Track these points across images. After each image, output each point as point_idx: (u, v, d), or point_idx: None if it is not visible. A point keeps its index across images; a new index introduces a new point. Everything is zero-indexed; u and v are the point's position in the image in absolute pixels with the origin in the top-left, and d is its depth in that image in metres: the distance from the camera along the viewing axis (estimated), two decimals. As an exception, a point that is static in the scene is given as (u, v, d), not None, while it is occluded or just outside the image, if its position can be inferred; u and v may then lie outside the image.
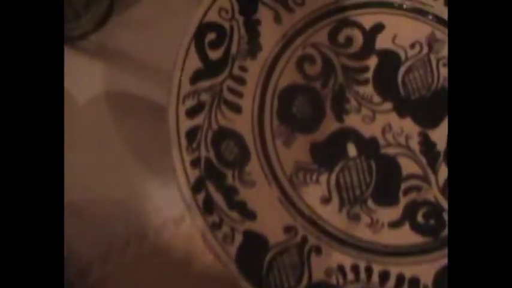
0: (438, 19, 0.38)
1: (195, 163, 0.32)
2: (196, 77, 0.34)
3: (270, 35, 0.36)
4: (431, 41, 0.37)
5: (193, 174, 0.32)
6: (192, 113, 0.33)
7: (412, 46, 0.37)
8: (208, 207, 0.31)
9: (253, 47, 0.35)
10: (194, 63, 0.34)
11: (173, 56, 0.38)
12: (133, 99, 0.40)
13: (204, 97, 0.34)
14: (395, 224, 0.34)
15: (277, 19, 0.36)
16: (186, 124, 0.33)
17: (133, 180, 0.37)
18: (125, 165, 0.38)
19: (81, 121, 0.39)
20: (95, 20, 0.42)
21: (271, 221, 0.32)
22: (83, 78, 0.40)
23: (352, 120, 0.35)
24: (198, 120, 0.33)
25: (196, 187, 0.31)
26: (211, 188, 0.32)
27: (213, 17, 0.35)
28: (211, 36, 0.35)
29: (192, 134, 0.33)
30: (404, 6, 0.38)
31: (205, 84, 0.34)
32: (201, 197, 0.31)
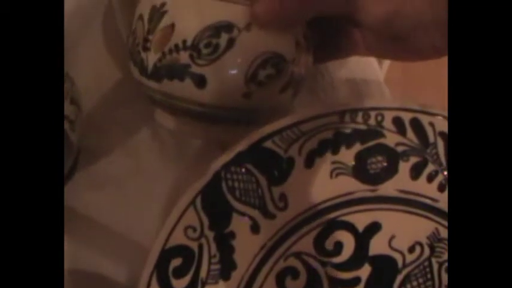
0: (443, 214, 0.32)
1: None
2: (158, 317, 0.30)
3: (246, 249, 0.31)
4: (434, 242, 0.32)
5: None
6: None
7: (412, 249, 0.32)
8: None
9: (226, 266, 0.31)
10: (156, 299, 0.30)
11: (142, 225, 0.34)
12: (99, 279, 0.36)
13: (169, 338, 0.30)
14: None
15: (255, 229, 0.31)
16: None
17: None
18: None
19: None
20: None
21: None
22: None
23: None
24: None
25: None
26: None
27: (178, 239, 0.30)
28: (176, 262, 0.30)
29: None
30: (406, 201, 0.32)
31: (169, 321, 0.30)
32: None
